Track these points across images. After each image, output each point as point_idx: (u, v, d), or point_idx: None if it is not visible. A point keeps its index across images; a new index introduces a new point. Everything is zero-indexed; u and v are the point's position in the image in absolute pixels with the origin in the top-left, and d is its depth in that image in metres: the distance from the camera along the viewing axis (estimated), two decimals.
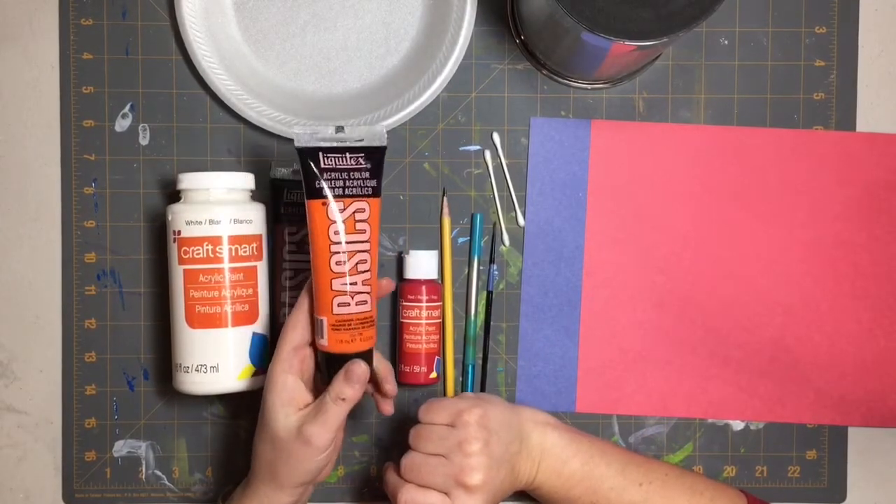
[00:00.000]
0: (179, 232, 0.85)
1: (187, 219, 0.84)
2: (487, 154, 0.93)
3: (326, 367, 0.81)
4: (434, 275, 0.90)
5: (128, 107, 0.93)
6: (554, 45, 0.85)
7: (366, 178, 0.79)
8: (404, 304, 0.89)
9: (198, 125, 0.93)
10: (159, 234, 0.93)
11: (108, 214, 0.93)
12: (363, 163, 0.79)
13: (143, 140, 0.93)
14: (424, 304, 0.89)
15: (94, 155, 0.93)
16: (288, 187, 0.91)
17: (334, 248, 0.78)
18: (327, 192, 0.78)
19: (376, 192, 0.80)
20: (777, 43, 0.93)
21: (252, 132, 0.93)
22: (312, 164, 0.78)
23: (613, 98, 0.93)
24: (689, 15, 0.73)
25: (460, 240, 0.93)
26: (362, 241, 0.79)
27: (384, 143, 0.80)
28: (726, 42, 0.93)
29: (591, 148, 0.93)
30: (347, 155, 0.78)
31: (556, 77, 0.93)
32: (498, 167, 0.93)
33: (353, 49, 0.93)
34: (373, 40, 0.93)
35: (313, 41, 0.93)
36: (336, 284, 0.79)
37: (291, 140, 0.92)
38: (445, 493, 0.81)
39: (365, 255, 0.79)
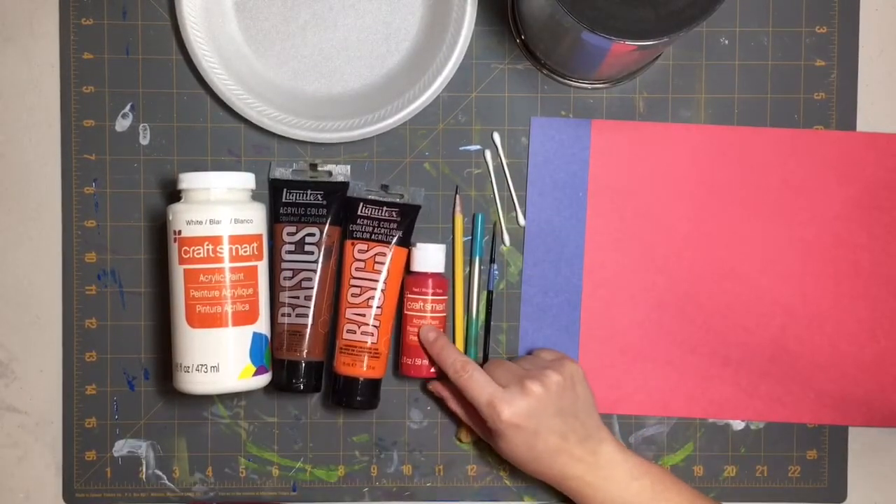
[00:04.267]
0: (180, 232, 0.85)
1: (188, 218, 0.84)
2: (488, 154, 0.93)
3: (334, 386, 0.90)
4: (441, 268, 0.90)
5: (128, 107, 0.93)
6: (554, 45, 0.85)
7: (393, 229, 0.89)
8: (409, 296, 0.90)
9: (198, 125, 0.93)
10: (159, 234, 0.93)
11: (109, 214, 0.93)
12: (395, 216, 0.90)
13: (144, 140, 0.93)
14: (430, 298, 0.89)
15: (94, 155, 0.93)
16: (287, 187, 0.91)
17: (353, 281, 0.89)
18: (358, 234, 0.90)
19: (402, 242, 0.90)
20: (777, 43, 0.93)
21: (252, 132, 0.93)
22: (353, 210, 0.91)
23: (613, 98, 0.93)
24: (689, 15, 0.73)
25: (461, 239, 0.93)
26: (380, 281, 0.89)
27: (420, 203, 0.91)
28: (726, 42, 0.93)
29: (591, 148, 0.93)
30: (384, 208, 0.90)
31: (556, 77, 0.93)
32: (498, 167, 0.93)
33: (353, 49, 0.93)
34: (373, 40, 0.93)
35: (313, 41, 0.93)
36: (349, 313, 0.89)
37: (292, 140, 0.92)
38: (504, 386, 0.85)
39: (380, 294, 0.89)
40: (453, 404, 0.91)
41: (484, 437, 0.90)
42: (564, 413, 0.85)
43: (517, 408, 0.84)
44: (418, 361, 0.90)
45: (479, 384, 0.85)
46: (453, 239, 0.93)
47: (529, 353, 0.93)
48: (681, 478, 0.93)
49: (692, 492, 0.87)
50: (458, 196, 0.93)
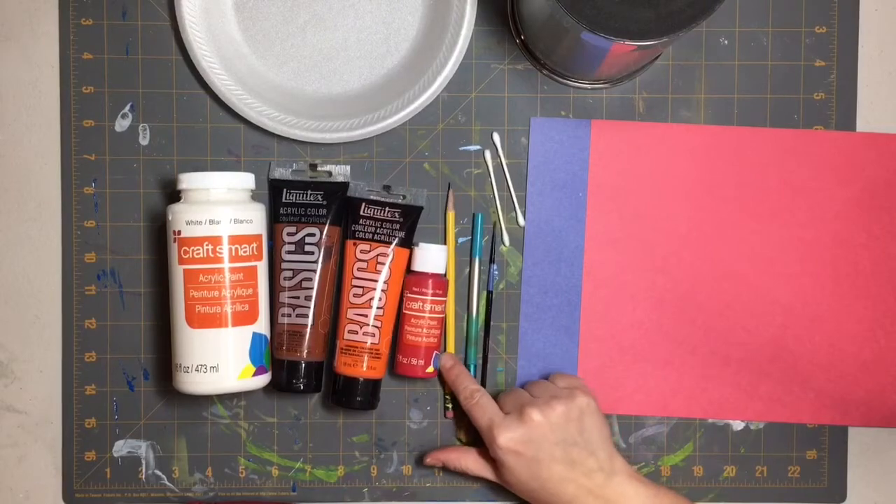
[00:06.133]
0: (179, 232, 0.85)
1: (187, 219, 0.84)
2: (487, 154, 0.93)
3: (334, 386, 0.90)
4: (441, 269, 0.90)
5: (128, 107, 0.93)
6: (554, 45, 0.85)
7: (396, 229, 0.89)
8: (409, 295, 0.90)
9: (198, 125, 0.93)
10: (159, 234, 0.93)
11: (108, 214, 0.93)
12: (397, 217, 0.90)
13: (143, 140, 0.93)
14: (429, 298, 0.89)
15: (94, 155, 0.93)
16: (287, 187, 0.91)
17: (355, 281, 0.89)
18: (360, 234, 0.90)
19: (404, 243, 0.90)
20: (777, 43, 0.93)
21: (252, 132, 0.93)
22: (355, 211, 0.91)
23: (613, 98, 0.93)
24: (689, 15, 0.73)
25: (460, 239, 0.93)
26: (382, 281, 0.89)
27: (422, 204, 0.91)
28: (726, 42, 0.93)
29: (591, 148, 0.93)
30: (386, 209, 0.90)
31: (556, 77, 0.93)
32: (498, 167, 0.93)
33: (353, 49, 0.93)
34: (373, 40, 0.93)
35: (313, 41, 0.93)
36: (350, 313, 0.89)
37: (292, 140, 0.92)
38: (509, 413, 0.86)
39: (381, 294, 0.89)
40: (456, 464, 0.90)
41: (496, 478, 0.89)
42: (568, 443, 0.84)
43: (513, 434, 0.84)
44: (414, 361, 0.90)
45: (482, 409, 0.87)
46: (446, 236, 0.93)
47: (546, 377, 0.92)
48: (681, 478, 0.94)
49: None
50: (450, 192, 0.93)
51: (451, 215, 0.93)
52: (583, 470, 0.84)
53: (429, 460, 0.90)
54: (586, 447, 0.85)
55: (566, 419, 0.85)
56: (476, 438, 0.93)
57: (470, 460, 0.89)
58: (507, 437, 0.84)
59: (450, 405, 0.93)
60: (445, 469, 0.93)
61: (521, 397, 0.87)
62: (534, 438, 0.84)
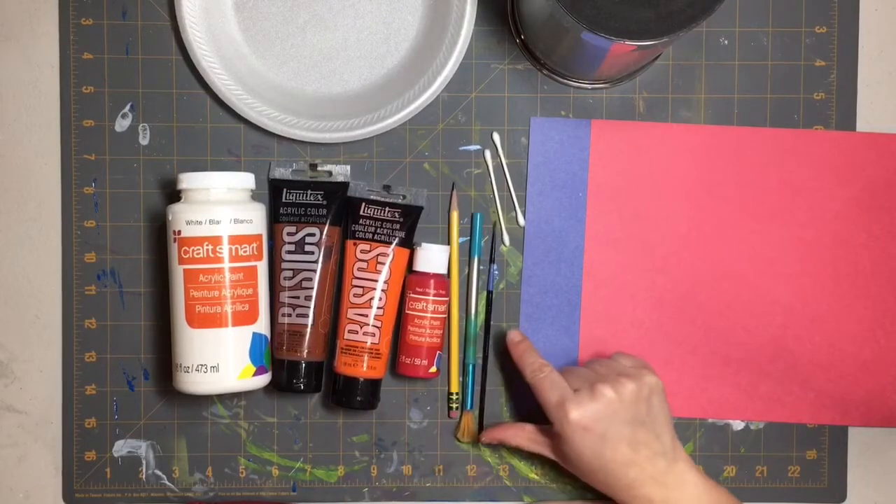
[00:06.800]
0: (180, 232, 0.85)
1: (187, 218, 0.84)
2: (487, 154, 0.93)
3: (334, 386, 0.90)
4: (443, 269, 0.90)
5: (128, 107, 0.93)
6: (554, 45, 0.85)
7: (396, 229, 0.89)
8: (411, 295, 0.90)
9: (198, 125, 0.93)
10: (159, 234, 0.93)
11: (108, 214, 0.93)
12: (398, 217, 0.90)
13: (143, 140, 0.93)
14: (431, 298, 0.89)
15: (94, 155, 0.93)
16: (287, 187, 0.91)
17: (355, 281, 0.89)
18: (360, 234, 0.90)
19: (404, 243, 0.90)
20: (777, 43, 0.93)
21: (252, 132, 0.93)
22: (355, 211, 0.91)
23: (613, 98, 0.93)
24: (689, 15, 0.73)
25: (460, 239, 0.93)
26: (382, 281, 0.89)
27: (422, 204, 0.91)
28: (726, 42, 0.93)
29: (591, 148, 0.93)
30: (386, 209, 0.90)
31: (556, 77, 0.93)
32: (498, 167, 0.93)
33: (353, 49, 0.93)
34: (373, 40, 0.93)
35: (313, 41, 0.93)
36: (350, 313, 0.89)
37: (292, 140, 0.92)
38: (576, 390, 0.84)
39: (381, 294, 0.89)
40: (512, 440, 0.89)
41: (552, 455, 0.88)
42: (636, 423, 0.83)
43: (586, 410, 0.82)
44: (417, 361, 0.90)
45: (551, 385, 0.84)
46: (449, 236, 0.93)
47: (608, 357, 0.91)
48: None
49: None
50: (453, 192, 0.93)
51: (454, 215, 0.93)
52: (647, 454, 0.83)
53: (484, 438, 0.89)
54: (653, 429, 0.84)
55: (636, 397, 0.83)
56: (477, 440, 0.93)
57: (525, 437, 0.88)
58: (580, 413, 0.82)
59: (454, 405, 0.93)
60: (501, 445, 0.92)
61: (587, 374, 0.85)
62: (605, 415, 0.82)
